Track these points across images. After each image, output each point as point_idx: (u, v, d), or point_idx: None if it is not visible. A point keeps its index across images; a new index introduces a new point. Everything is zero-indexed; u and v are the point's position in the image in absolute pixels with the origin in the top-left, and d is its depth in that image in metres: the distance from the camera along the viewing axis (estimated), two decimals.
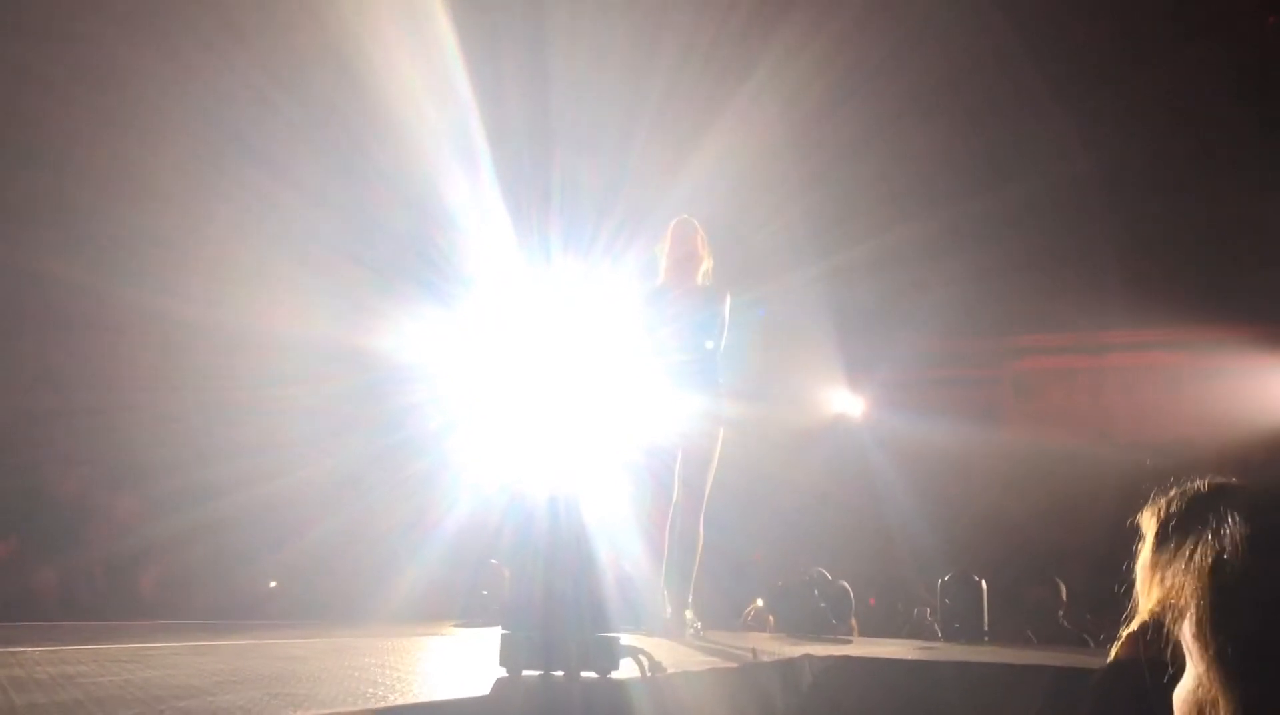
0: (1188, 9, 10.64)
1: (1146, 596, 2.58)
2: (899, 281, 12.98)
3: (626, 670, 3.64)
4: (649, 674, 3.78)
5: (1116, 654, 2.48)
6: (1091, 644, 8.06)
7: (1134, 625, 2.52)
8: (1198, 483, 2.62)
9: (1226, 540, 1.32)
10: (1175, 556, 1.60)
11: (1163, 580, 1.68)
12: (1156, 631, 1.58)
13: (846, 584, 8.53)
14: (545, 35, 10.64)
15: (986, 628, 7.91)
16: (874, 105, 11.17)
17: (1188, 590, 1.35)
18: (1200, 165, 12.08)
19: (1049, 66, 11.45)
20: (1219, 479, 2.61)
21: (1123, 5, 10.89)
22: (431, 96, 10.09)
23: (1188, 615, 1.36)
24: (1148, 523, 2.66)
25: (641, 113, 10.91)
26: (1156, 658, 1.98)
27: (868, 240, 12.21)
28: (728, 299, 6.72)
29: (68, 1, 9.50)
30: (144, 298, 10.26)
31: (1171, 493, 2.64)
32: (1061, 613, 9.14)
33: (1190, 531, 2.07)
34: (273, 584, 10.81)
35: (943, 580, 8.22)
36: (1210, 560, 1.33)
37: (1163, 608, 1.57)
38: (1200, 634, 1.30)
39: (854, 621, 8.57)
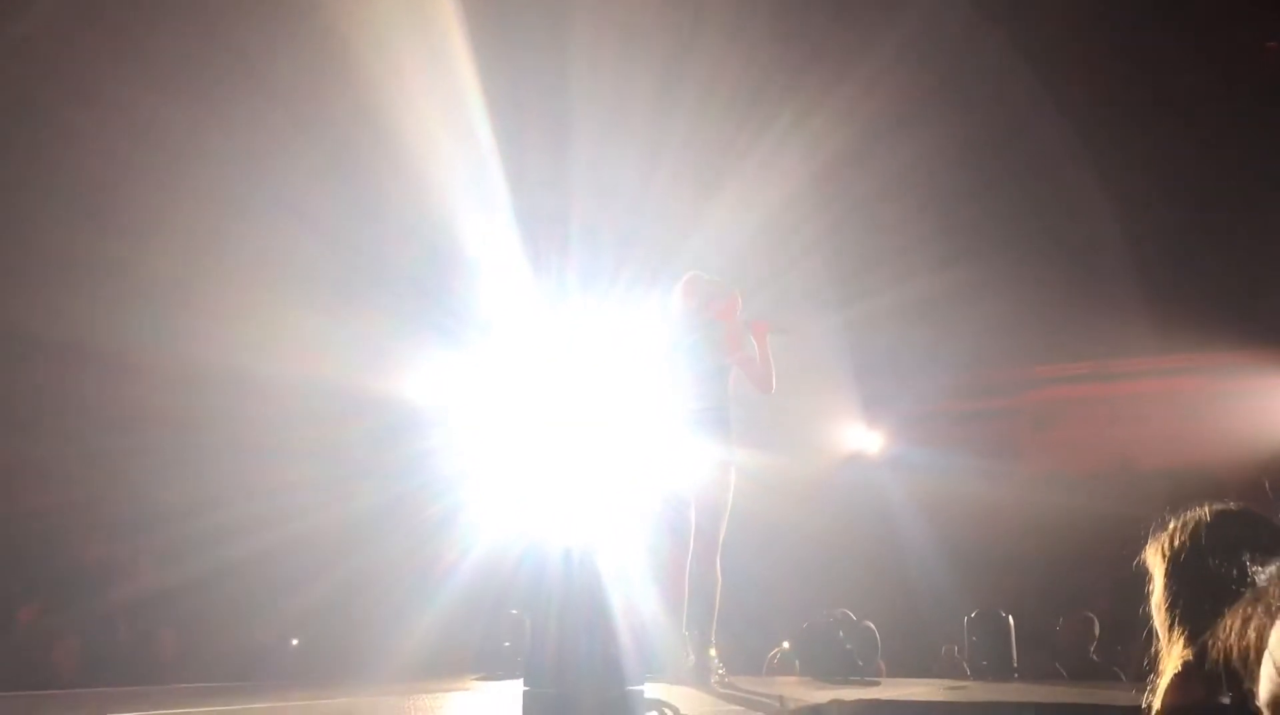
0: (1210, 37, 10.62)
1: (1168, 636, 2.46)
2: (917, 320, 12.90)
3: None
4: None
5: (1166, 701, 2.35)
6: (1123, 678, 7.91)
7: (1174, 667, 2.41)
8: (1198, 511, 2.50)
9: None
10: (1237, 596, 1.52)
11: (1221, 619, 1.59)
12: (1223, 669, 1.50)
13: (872, 624, 8.41)
14: (566, 80, 10.65)
15: (1015, 664, 7.79)
16: (896, 150, 11.17)
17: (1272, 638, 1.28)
18: (1218, 189, 12.04)
19: (1066, 102, 11.46)
20: (1218, 505, 2.50)
21: (1141, 37, 10.87)
22: (451, 141, 10.10)
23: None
24: (1154, 560, 2.54)
25: (662, 159, 10.91)
26: (1222, 696, 1.88)
27: (889, 286, 12.17)
28: (753, 352, 6.66)
29: (77, 45, 9.54)
30: (160, 342, 10.25)
31: (1172, 526, 2.52)
32: (1093, 647, 8.99)
33: (1231, 560, 1.96)
34: (295, 641, 10.72)
35: (969, 617, 8.11)
36: None
37: (1224, 646, 1.48)
38: None
39: (881, 663, 8.44)
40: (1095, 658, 8.88)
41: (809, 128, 10.67)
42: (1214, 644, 1.54)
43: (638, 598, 6.44)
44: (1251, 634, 1.40)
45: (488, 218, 10.46)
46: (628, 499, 6.91)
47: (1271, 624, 1.34)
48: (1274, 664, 1.31)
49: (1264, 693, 1.34)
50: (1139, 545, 2.64)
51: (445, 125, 10.00)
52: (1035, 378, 14.60)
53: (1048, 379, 14.58)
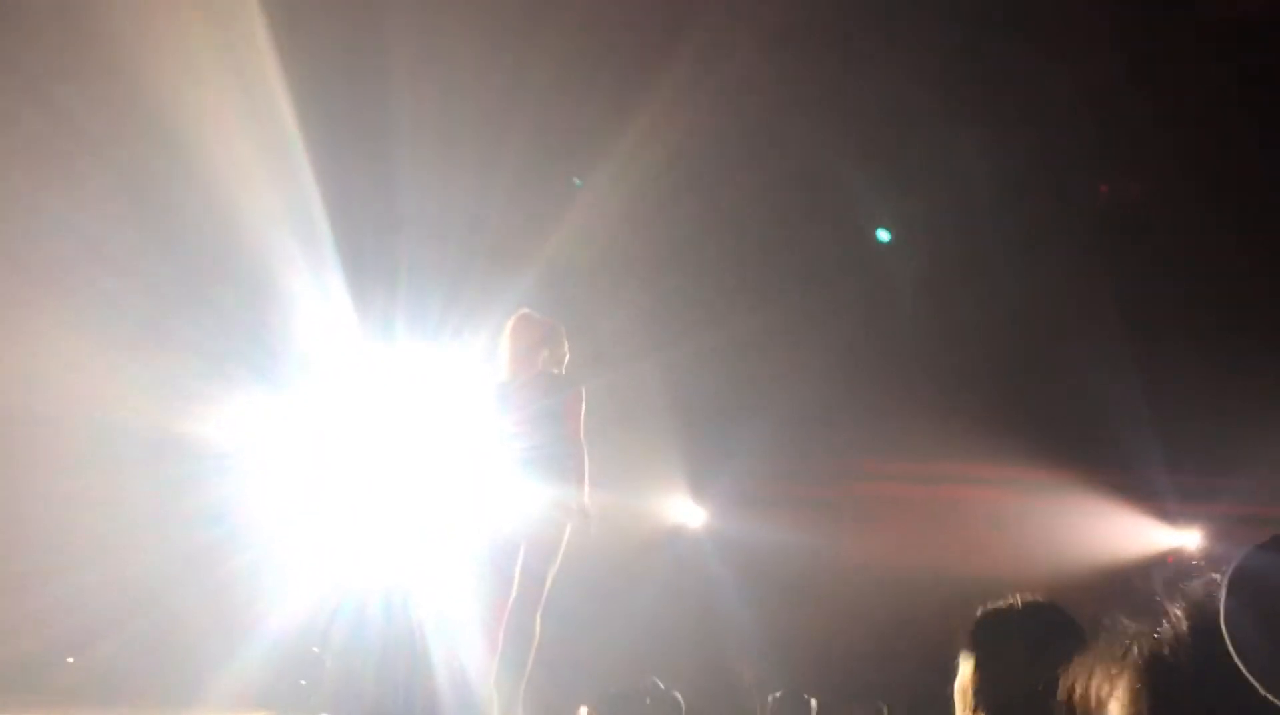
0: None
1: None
2: (745, 401, 13.01)
3: None
4: None
5: None
6: None
7: None
8: (1010, 601, 2.73)
9: (1168, 636, 1.32)
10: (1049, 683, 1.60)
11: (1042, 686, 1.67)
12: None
13: (679, 696, 8.34)
14: (390, 119, 10.43)
15: None
16: (724, 198, 11.28)
17: (1121, 688, 1.33)
18: (1052, 321, 12.43)
19: (909, 170, 11.65)
20: (1028, 597, 2.74)
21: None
22: (267, 165, 9.71)
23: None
24: (965, 645, 2.74)
25: (491, 197, 10.82)
26: None
27: (714, 329, 12.20)
28: (582, 391, 6.64)
29: None
30: None
31: (982, 613, 2.74)
32: None
33: (1038, 649, 2.11)
34: (70, 659, 10.03)
35: (774, 696, 8.15)
36: (1147, 657, 1.32)
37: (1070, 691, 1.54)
38: None
39: None
40: None
41: (639, 164, 10.66)
42: (1064, 685, 1.60)
43: (456, 646, 6.24)
44: (1093, 687, 1.45)
45: (308, 251, 10.11)
46: (451, 543, 6.75)
47: (1110, 680, 1.40)
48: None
49: None
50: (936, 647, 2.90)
51: (260, 147, 9.60)
52: (859, 472, 14.85)
53: (871, 475, 14.86)
